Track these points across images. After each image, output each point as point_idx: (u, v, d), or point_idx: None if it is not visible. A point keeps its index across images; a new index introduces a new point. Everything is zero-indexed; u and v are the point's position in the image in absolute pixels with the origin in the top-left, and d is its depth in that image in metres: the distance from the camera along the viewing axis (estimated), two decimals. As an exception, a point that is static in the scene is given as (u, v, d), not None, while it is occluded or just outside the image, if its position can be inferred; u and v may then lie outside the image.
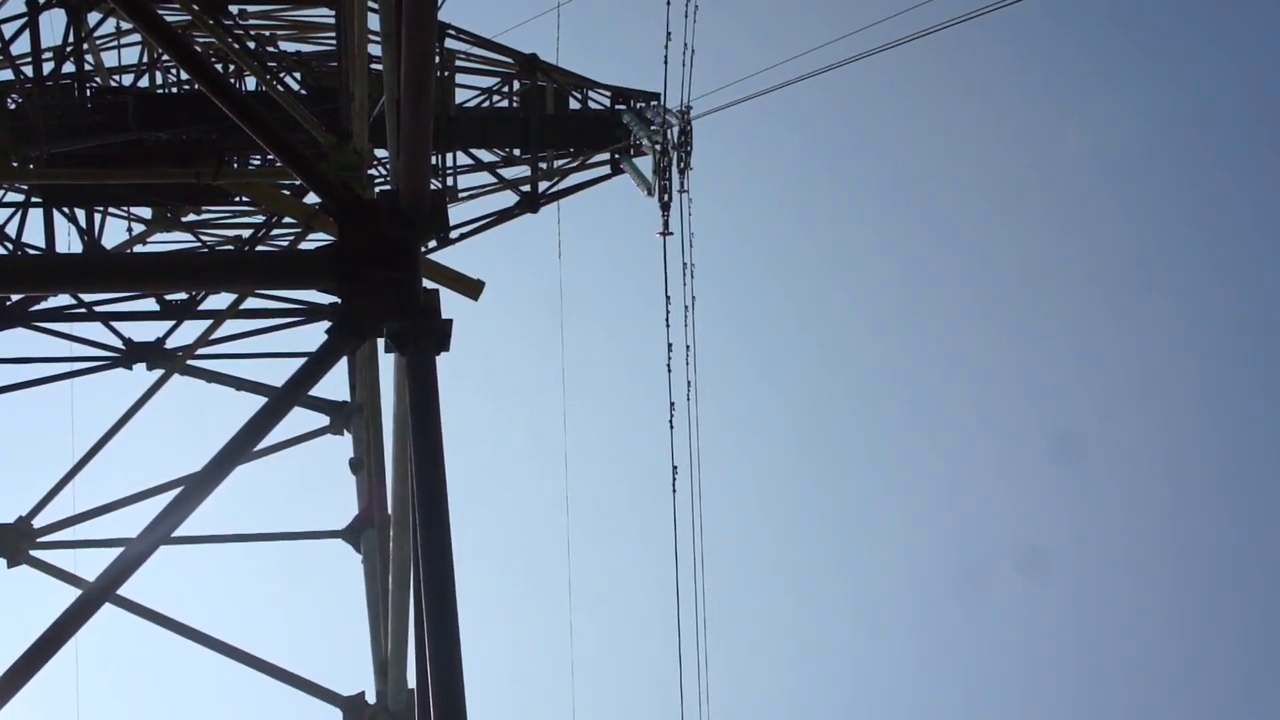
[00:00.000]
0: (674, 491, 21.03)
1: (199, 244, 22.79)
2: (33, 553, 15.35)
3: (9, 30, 18.71)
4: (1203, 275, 50.07)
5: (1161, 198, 50.07)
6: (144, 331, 18.38)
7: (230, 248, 22.83)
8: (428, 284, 7.94)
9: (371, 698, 12.82)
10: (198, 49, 19.98)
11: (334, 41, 18.72)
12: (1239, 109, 47.22)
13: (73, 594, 7.31)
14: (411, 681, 11.60)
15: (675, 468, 21.18)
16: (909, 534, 53.02)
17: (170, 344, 18.24)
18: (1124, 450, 51.13)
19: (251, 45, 20.14)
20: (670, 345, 21.11)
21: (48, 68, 19.15)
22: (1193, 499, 51.54)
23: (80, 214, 20.46)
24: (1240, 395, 49.42)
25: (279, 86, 16.98)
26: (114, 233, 24.00)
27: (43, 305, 18.42)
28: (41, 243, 19.38)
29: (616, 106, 22.31)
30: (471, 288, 13.49)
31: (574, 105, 22.38)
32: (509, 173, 22.28)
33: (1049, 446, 51.39)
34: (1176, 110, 48.04)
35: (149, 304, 18.54)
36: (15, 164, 16.75)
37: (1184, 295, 49.79)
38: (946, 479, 53.92)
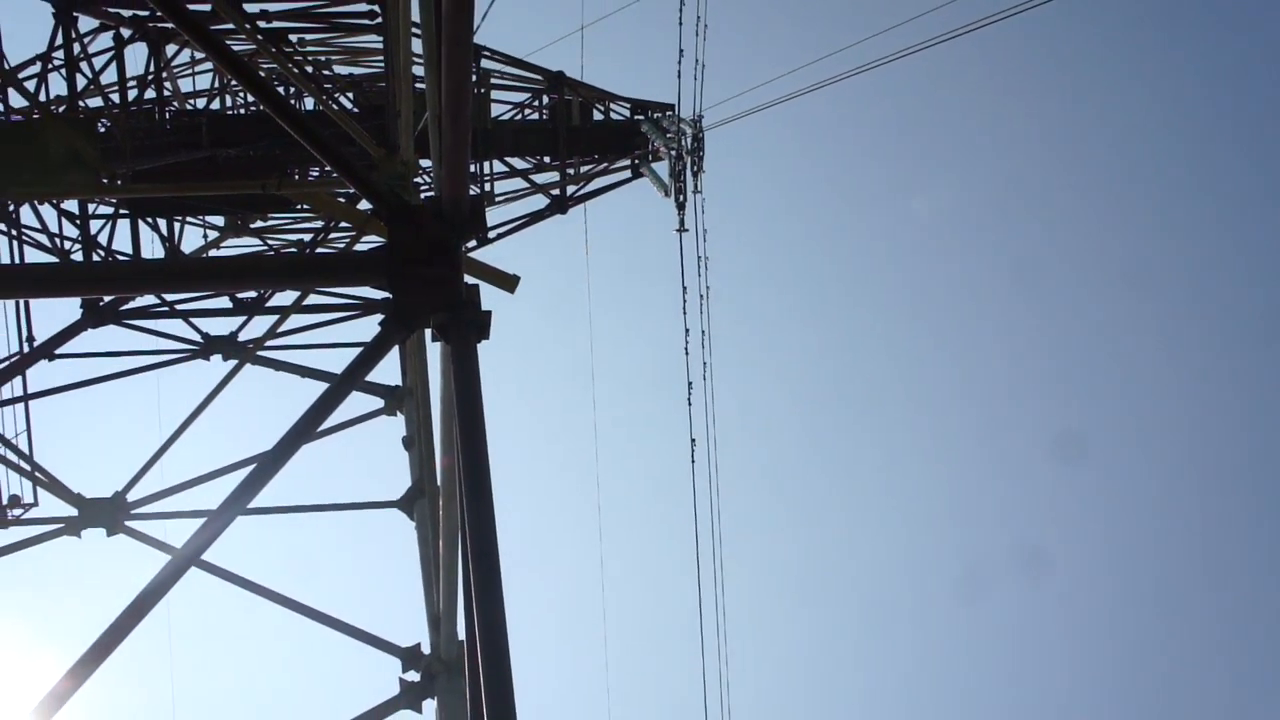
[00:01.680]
0: (693, 462, 20.99)
1: (266, 247, 22.81)
2: (128, 523, 15.41)
3: (99, 62, 18.81)
4: (1203, 275, 47.61)
5: (1162, 197, 47.70)
6: (219, 326, 18.45)
7: (293, 250, 22.84)
8: (469, 279, 7.92)
9: (426, 649, 12.81)
10: (262, 74, 19.97)
11: (382, 64, 18.71)
12: (1239, 109, 45.15)
13: (163, 559, 7.33)
14: (461, 634, 11.61)
15: (694, 440, 21.17)
16: (910, 526, 50.75)
17: (242, 337, 18.28)
18: (1124, 450, 48.91)
19: (309, 69, 20.15)
20: (687, 330, 21.09)
21: (132, 94, 19.22)
22: (1192, 499, 48.78)
23: (162, 223, 20.54)
24: (1240, 395, 47.13)
25: (334, 106, 16.97)
26: (191, 239, 24.15)
27: (131, 305, 18.46)
28: (129, 249, 19.45)
29: (636, 117, 22.28)
30: (508, 282, 13.47)
31: (597, 116, 22.36)
32: (540, 178, 22.27)
33: (1050, 446, 48.59)
34: (1176, 110, 46.47)
35: (223, 302, 18.59)
36: (105, 180, 16.77)
37: (1184, 295, 47.82)
38: (947, 476, 51.57)
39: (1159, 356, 49.35)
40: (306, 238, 22.27)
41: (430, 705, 12.28)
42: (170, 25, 18.35)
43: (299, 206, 20.52)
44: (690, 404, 21.20)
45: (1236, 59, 45.37)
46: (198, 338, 18.35)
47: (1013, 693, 48.41)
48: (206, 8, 17.44)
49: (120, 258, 19.61)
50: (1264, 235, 45.72)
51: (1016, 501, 50.77)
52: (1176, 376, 48.30)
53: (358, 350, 7.94)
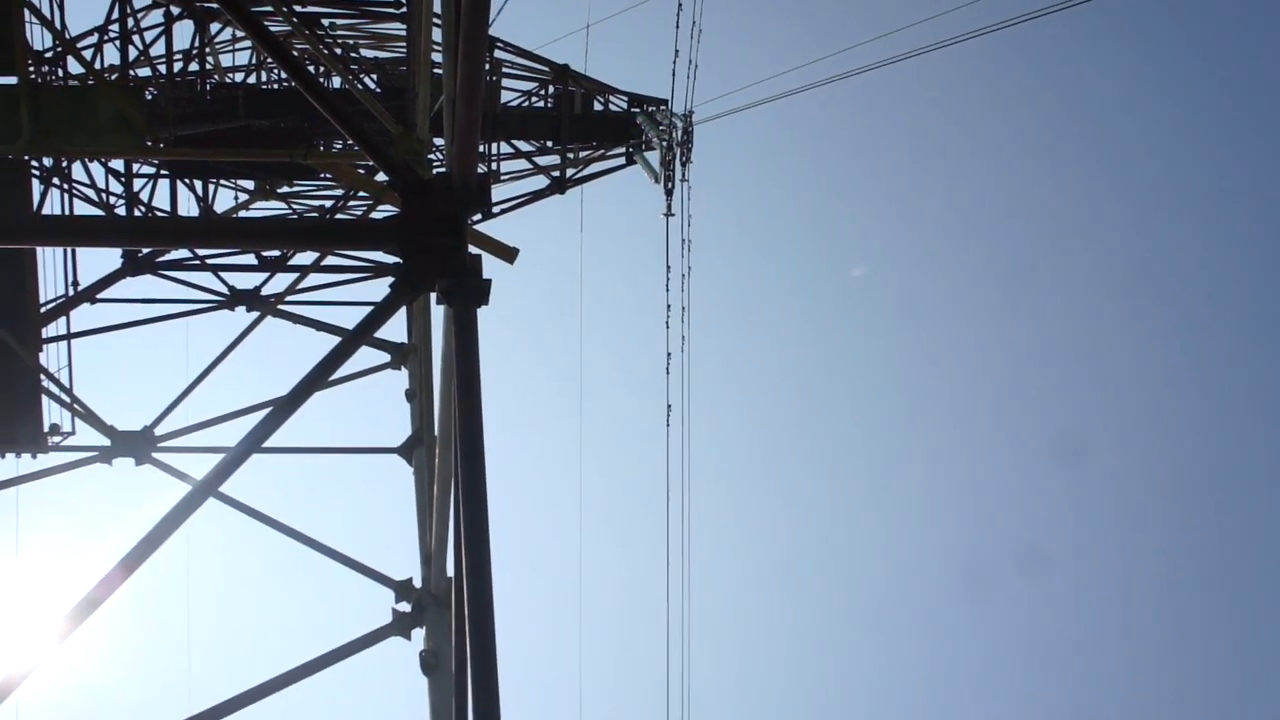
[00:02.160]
0: (668, 426, 20.99)
1: (290, 211, 22.73)
2: (155, 455, 15.38)
3: (149, 36, 18.75)
4: (1201, 275, 46.45)
5: (1161, 197, 46.59)
6: (245, 281, 18.41)
7: (315, 215, 22.76)
8: (472, 250, 7.89)
9: (418, 583, 12.82)
10: (295, 54, 19.83)
11: (404, 50, 18.61)
12: (1239, 110, 44.09)
13: (185, 489, 7.31)
14: (449, 571, 11.61)
15: (669, 406, 21.16)
16: (898, 525, 49.16)
17: (265, 292, 18.25)
18: (1124, 450, 47.29)
19: (338, 51, 20.05)
20: (669, 306, 21.06)
21: (178, 67, 19.15)
22: (1193, 499, 47.26)
23: (198, 185, 20.46)
24: (1240, 395, 45.84)
25: (359, 85, 16.87)
26: (224, 201, 24.04)
27: (167, 257, 18.42)
28: (167, 207, 19.40)
29: (632, 110, 22.21)
30: (508, 254, 13.43)
31: (597, 107, 22.31)
32: (542, 161, 22.20)
33: (1049, 447, 46.75)
34: (1175, 110, 45.42)
35: (249, 259, 18.56)
36: (149, 143, 16.71)
37: (1185, 294, 46.34)
38: (945, 476, 49.91)
39: (1158, 356, 47.96)
40: (328, 204, 22.18)
41: (419, 634, 12.29)
42: (215, 5, 18.26)
43: (322, 175, 20.44)
44: (669, 373, 21.20)
45: (1234, 57, 44.48)
46: (225, 290, 18.32)
47: (1012, 692, 47.11)
48: (247, -10, 17.33)
49: (159, 214, 19.54)
50: (1264, 234, 44.40)
51: (1012, 499, 49.14)
52: (1176, 376, 47.06)
53: (369, 309, 7.91)
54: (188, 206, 20.01)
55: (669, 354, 21.13)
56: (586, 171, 22.62)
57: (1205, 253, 45.94)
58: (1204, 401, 46.17)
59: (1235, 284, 44.94)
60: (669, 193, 21.68)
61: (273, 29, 19.13)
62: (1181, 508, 46.12)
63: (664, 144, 21.75)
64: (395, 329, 16.91)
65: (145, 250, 18.16)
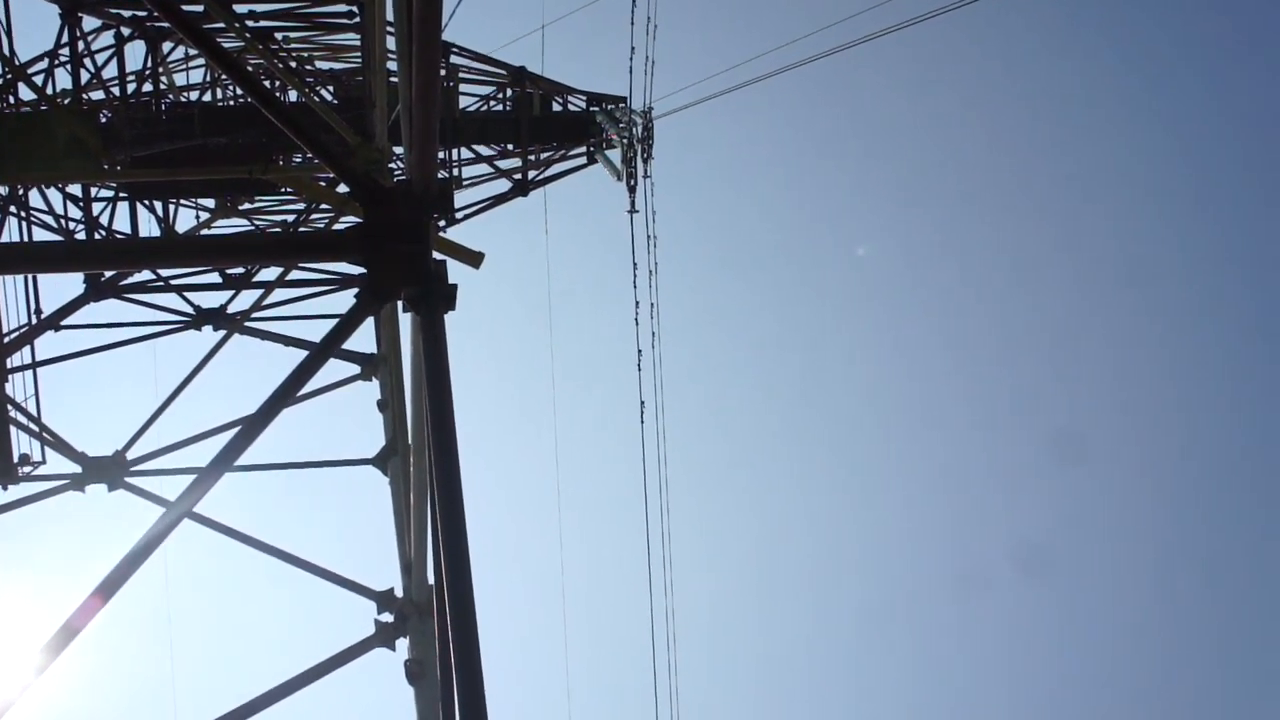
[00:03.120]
0: (642, 423, 20.99)
1: (253, 227, 22.64)
2: (127, 479, 15.30)
3: (101, 59, 18.66)
4: (1202, 275, 45.96)
5: (1162, 196, 46.11)
6: (210, 300, 18.34)
7: (278, 230, 22.68)
8: (437, 256, 7.87)
9: (399, 593, 12.79)
10: (250, 69, 19.75)
11: (359, 60, 18.56)
12: (1239, 110, 43.62)
13: (159, 513, 7.28)
14: (430, 578, 11.58)
15: (643, 402, 21.16)
16: (888, 523, 48.43)
17: (231, 309, 18.18)
18: (1124, 450, 46.52)
19: (293, 65, 19.98)
20: (637, 303, 21.06)
21: (131, 88, 19.05)
22: (1191, 499, 46.82)
23: (158, 205, 20.36)
24: (1239, 395, 45.45)
25: (315, 98, 16.81)
26: (185, 220, 23.85)
27: (130, 280, 18.32)
28: (128, 229, 19.30)
29: (591, 109, 22.21)
30: (473, 258, 13.37)
31: (556, 108, 22.29)
32: (503, 164, 22.18)
33: (1047, 446, 46.34)
34: (1176, 109, 45.04)
35: (213, 277, 18.48)
36: (106, 166, 16.61)
37: (1183, 295, 45.89)
38: (938, 472, 49.12)
39: (1158, 356, 47.63)
40: (290, 218, 22.11)
41: (403, 644, 12.25)
42: (166, 24, 18.15)
43: (283, 190, 20.36)
44: (640, 369, 21.21)
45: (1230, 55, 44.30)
46: (190, 310, 18.24)
47: (1012, 693, 46.63)
48: (199, 8, 17.27)
49: (120, 236, 19.43)
50: (1264, 234, 43.96)
51: (1016, 501, 48.35)
52: (1177, 376, 46.67)
53: (335, 321, 7.89)
54: (149, 228, 19.90)
55: (639, 351, 21.14)
56: (548, 173, 22.61)
57: (1206, 250, 45.86)
58: (1203, 401, 46.05)
59: (1235, 283, 44.81)
60: (632, 189, 21.70)
61: (225, 45, 19.05)
62: (1181, 508, 45.99)
63: (624, 141, 21.75)
64: (365, 340, 16.88)
65: (108, 274, 18.05)
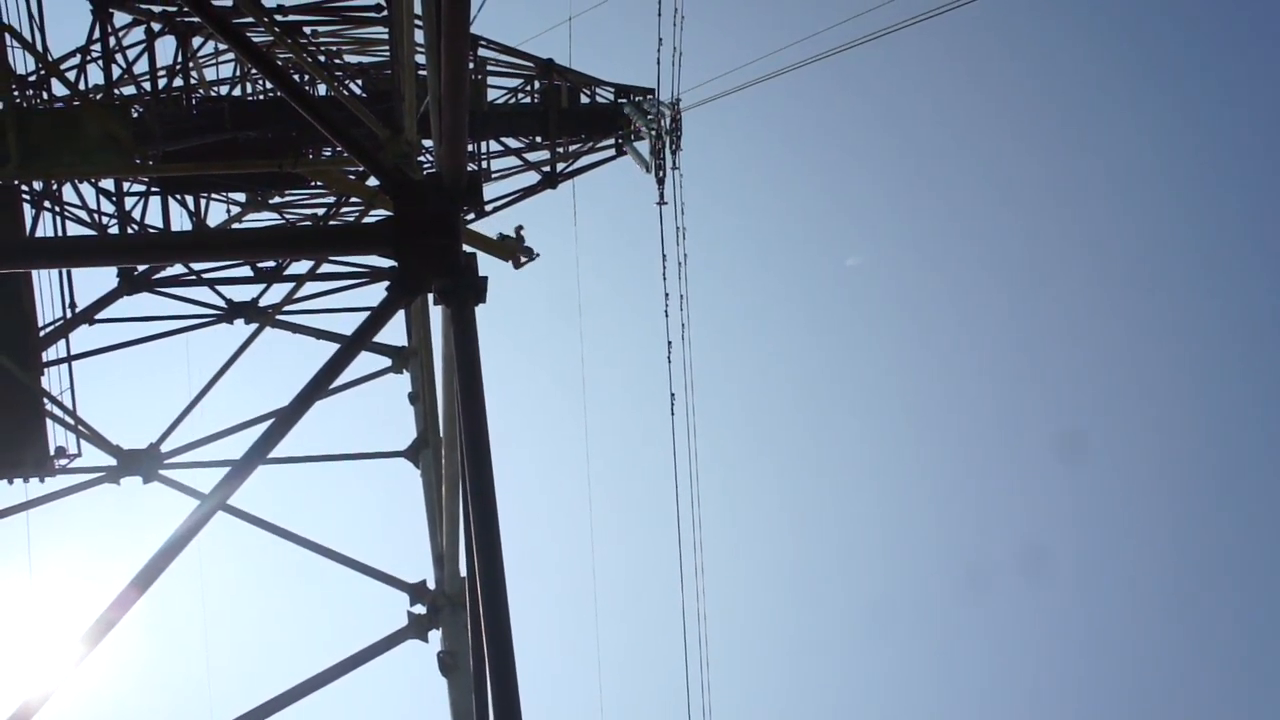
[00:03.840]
0: (672, 414, 20.98)
1: (284, 221, 22.72)
2: (161, 472, 15.39)
3: (132, 54, 18.75)
4: (1203, 274, 45.48)
5: (1162, 195, 45.67)
6: (242, 293, 18.39)
7: (308, 223, 22.76)
8: (468, 249, 7.88)
9: (431, 585, 12.83)
10: (279, 63, 19.82)
11: (388, 53, 18.59)
12: (1238, 110, 43.15)
13: (194, 505, 7.33)
14: (462, 570, 11.62)
15: (673, 395, 21.15)
16: (899, 524, 47.81)
17: (262, 303, 18.24)
18: (1124, 450, 46.27)
19: (322, 59, 20.03)
20: (666, 295, 21.05)
21: (162, 83, 19.14)
22: (1192, 499, 46.32)
23: (189, 200, 20.45)
24: (1240, 395, 44.91)
25: (345, 91, 16.86)
26: (216, 214, 23.98)
27: (162, 274, 18.42)
28: (160, 223, 19.39)
29: (619, 100, 22.18)
30: (504, 252, 13.44)
31: (584, 100, 22.28)
32: (532, 156, 22.19)
33: (1051, 445, 45.50)
34: (1175, 107, 44.53)
35: (245, 271, 18.56)
36: (138, 161, 16.70)
37: (1185, 294, 45.41)
38: (947, 468, 48.72)
39: (1157, 356, 47.10)
40: (320, 211, 22.18)
41: (435, 635, 12.30)
42: (196, 19, 18.23)
43: (313, 183, 20.42)
44: (670, 362, 21.19)
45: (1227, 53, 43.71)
46: (222, 304, 18.31)
47: (1011, 694, 46.26)
48: (229, 3, 17.33)
49: (152, 231, 19.53)
50: (1264, 233, 43.39)
51: (1016, 501, 48.07)
52: (1177, 376, 46.11)
53: (366, 314, 7.91)
54: (180, 222, 20.02)
55: (669, 342, 21.12)
56: (577, 165, 22.60)
57: (1208, 247, 45.22)
58: (1205, 400, 45.64)
59: (1236, 282, 44.19)
60: (660, 181, 21.66)
61: (255, 40, 19.12)
62: (1182, 507, 45.46)
63: (653, 133, 21.72)
64: (396, 333, 16.94)
65: (141, 268, 18.16)
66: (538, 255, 14.83)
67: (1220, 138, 44.00)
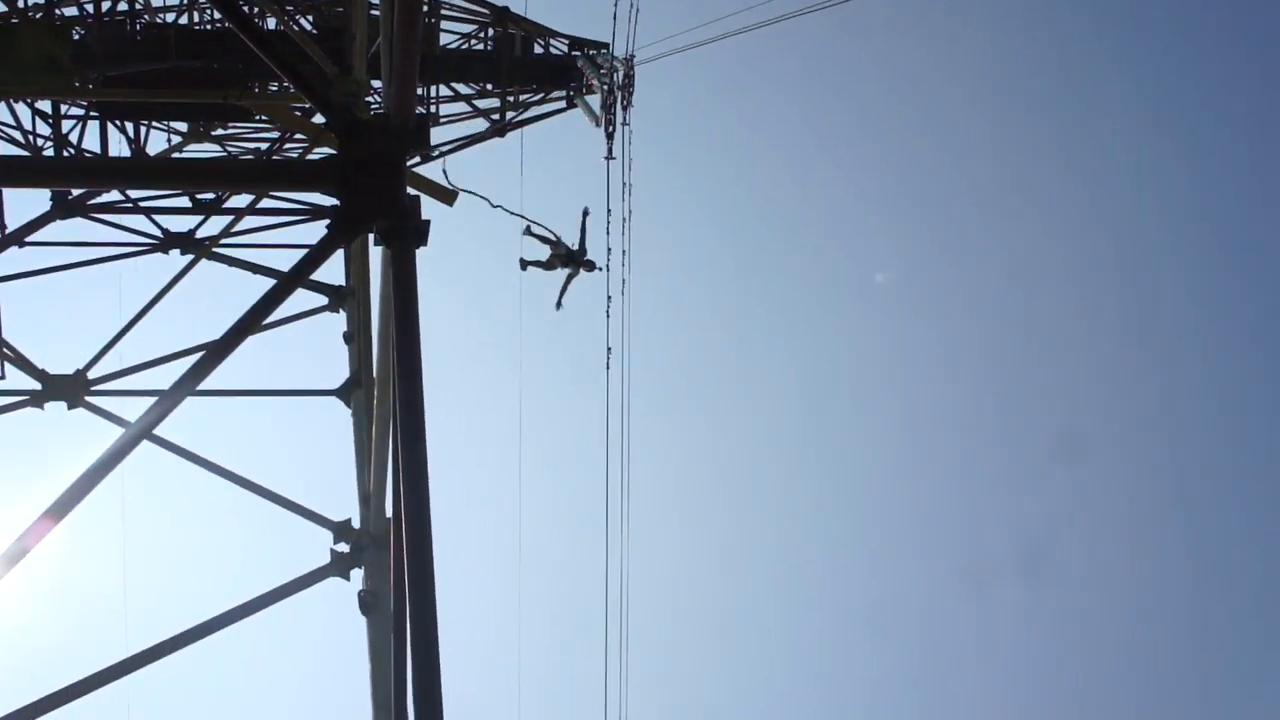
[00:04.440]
0: (607, 369, 21.08)
1: (226, 154, 22.53)
2: (88, 398, 15.30)
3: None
4: (1202, 275, 45.10)
5: (1162, 193, 45.10)
6: (179, 224, 18.25)
7: (251, 158, 22.58)
8: (411, 192, 7.92)
9: (357, 524, 12.90)
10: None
11: (341, -10, 18.47)
12: (1238, 108, 42.64)
13: (118, 432, 7.33)
14: (389, 511, 11.69)
15: (610, 349, 21.23)
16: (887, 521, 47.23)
17: (200, 234, 18.12)
18: (1122, 450, 45.61)
19: (273, -9, 19.84)
20: (609, 250, 21.10)
21: (106, 5, 18.88)
22: (1191, 500, 45.75)
23: (129, 127, 20.22)
24: (1239, 395, 44.62)
25: (294, 26, 16.74)
26: (156, 143, 23.66)
27: (98, 200, 18.21)
28: (97, 148, 19.18)
29: (573, 53, 22.15)
30: (447, 196, 13.44)
31: (538, 50, 22.23)
32: (482, 104, 22.11)
33: (1046, 447, 44.89)
34: (1176, 106, 44.16)
35: (184, 202, 18.39)
36: (77, 84, 16.49)
37: (1183, 294, 44.93)
38: (937, 476, 47.69)
39: (1156, 355, 46.85)
40: (263, 147, 22.00)
41: (358, 574, 12.38)
42: (144, -59, 18.02)
43: (257, 117, 20.24)
44: (609, 316, 21.26)
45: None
46: (158, 234, 18.17)
47: (1010, 697, 45.78)
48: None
49: (89, 155, 19.32)
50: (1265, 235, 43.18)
51: (1014, 502, 47.29)
52: (1176, 376, 45.82)
53: (306, 251, 7.93)
54: (119, 149, 19.78)
55: (609, 297, 21.19)
56: (527, 115, 22.56)
57: (1208, 248, 45.20)
58: (1203, 400, 45.40)
59: (1235, 281, 44.23)
60: (610, 136, 21.68)
61: (205, -33, 18.93)
62: (1182, 507, 45.42)
63: (605, 87, 21.72)
64: (334, 272, 16.91)
65: (75, 192, 17.95)
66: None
67: (1221, 137, 43.85)
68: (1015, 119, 44.80)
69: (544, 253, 21.15)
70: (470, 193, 15.22)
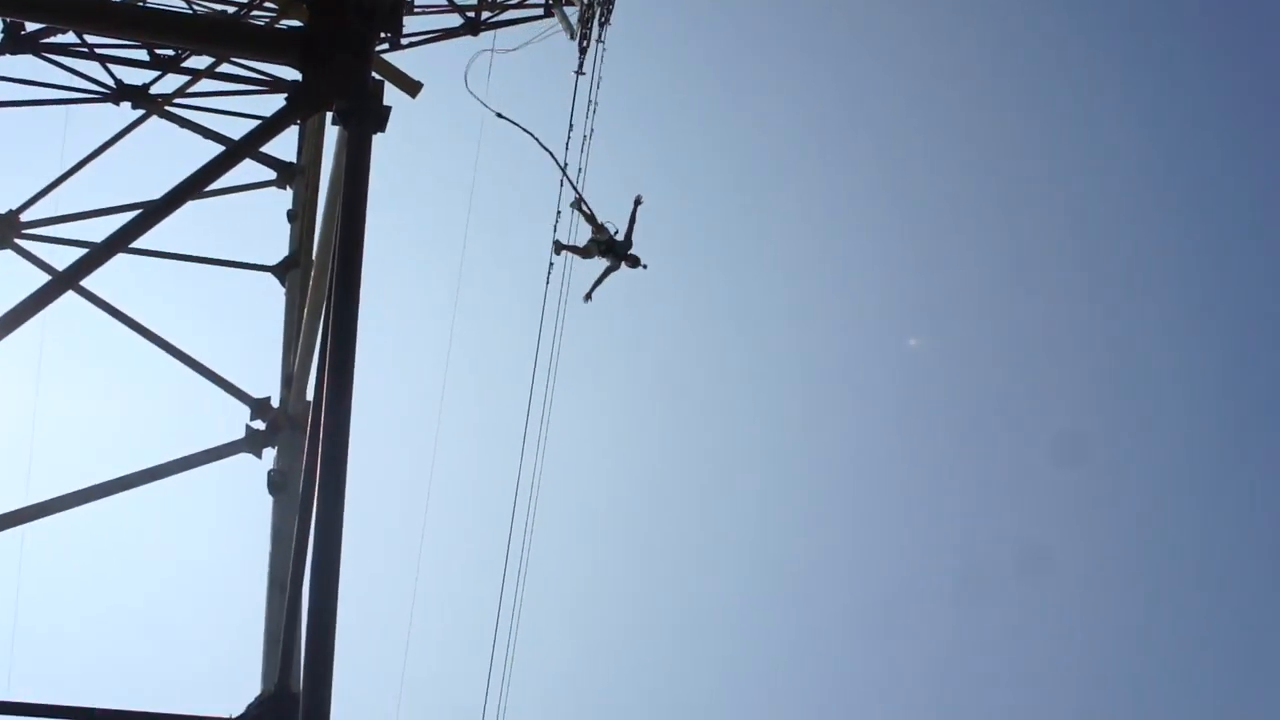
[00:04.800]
0: (546, 284, 20.88)
1: (191, 10, 22.08)
2: (18, 240, 15.05)
3: None
4: (1202, 274, 44.01)
5: (1161, 192, 43.97)
6: (134, 76, 17.87)
7: (217, 15, 22.15)
8: (376, 76, 7.82)
9: (276, 403, 12.85)
10: None
11: None
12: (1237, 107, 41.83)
13: (45, 279, 7.24)
14: (309, 395, 11.65)
15: (551, 264, 21.07)
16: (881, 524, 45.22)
17: (154, 90, 17.79)
18: (1121, 451, 44.28)
19: None
20: (565, 164, 20.92)
21: None
22: (1192, 499, 44.42)
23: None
24: (1239, 394, 43.72)
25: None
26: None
27: (52, 40, 17.82)
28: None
29: (557, -40, 21.84)
30: (412, 87, 13.33)
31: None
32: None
33: (1046, 446, 43.36)
34: (1177, 106, 42.96)
35: (141, 54, 18.04)
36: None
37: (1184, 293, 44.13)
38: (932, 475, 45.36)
39: (1158, 355, 45.42)
40: (230, 10, 21.58)
41: (270, 454, 12.36)
42: None
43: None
44: (555, 230, 21.11)
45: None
46: (111, 84, 17.81)
47: (1008, 698, 44.33)
48: None
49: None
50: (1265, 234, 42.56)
51: (1013, 502, 45.83)
52: (1176, 376, 44.50)
53: (260, 122, 7.84)
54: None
55: (558, 211, 21.04)
56: (502, 17, 22.26)
57: (1205, 250, 44.29)
58: (1204, 399, 44.57)
59: (1236, 280, 43.61)
60: (583, 50, 21.47)
61: None
62: (1182, 507, 44.55)
63: (585, 1, 21.49)
64: (286, 148, 16.70)
65: (30, 27, 17.55)
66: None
67: (1219, 137, 43.13)
68: (1010, 110, 44.16)
69: (571, 237, 19.24)
70: (475, 97, 14.89)
